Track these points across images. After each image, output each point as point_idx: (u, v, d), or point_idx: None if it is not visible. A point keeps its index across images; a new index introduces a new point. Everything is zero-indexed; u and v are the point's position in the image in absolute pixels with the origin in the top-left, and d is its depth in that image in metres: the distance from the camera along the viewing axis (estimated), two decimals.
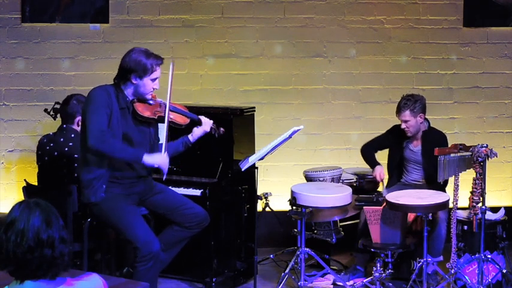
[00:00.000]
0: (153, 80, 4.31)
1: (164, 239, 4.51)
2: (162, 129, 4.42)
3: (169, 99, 4.38)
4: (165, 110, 4.37)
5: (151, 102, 4.38)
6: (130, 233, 4.26)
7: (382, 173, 5.43)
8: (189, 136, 4.55)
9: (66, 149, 4.90)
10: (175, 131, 4.55)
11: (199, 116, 4.56)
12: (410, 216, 5.03)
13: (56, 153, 4.93)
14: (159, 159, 4.30)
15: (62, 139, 4.94)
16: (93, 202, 4.31)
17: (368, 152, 5.57)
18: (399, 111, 5.32)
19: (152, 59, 4.31)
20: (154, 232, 4.40)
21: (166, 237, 4.52)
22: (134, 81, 4.30)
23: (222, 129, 4.61)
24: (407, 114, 5.28)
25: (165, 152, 4.33)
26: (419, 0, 6.38)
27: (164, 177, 4.38)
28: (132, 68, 4.28)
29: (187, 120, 4.52)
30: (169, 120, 4.40)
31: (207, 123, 4.55)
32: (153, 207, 4.56)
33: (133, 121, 4.36)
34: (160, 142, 4.51)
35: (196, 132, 4.54)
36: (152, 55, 4.33)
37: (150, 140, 4.47)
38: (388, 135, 5.56)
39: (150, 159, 4.28)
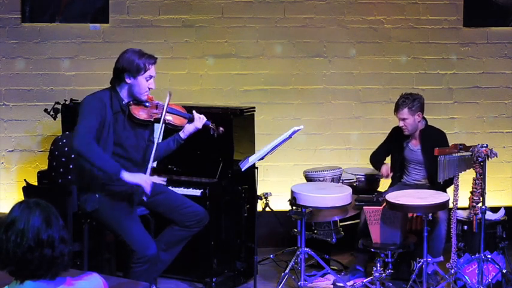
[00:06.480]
0: (147, 78, 4.29)
1: (165, 239, 4.51)
2: (157, 130, 4.38)
3: (168, 103, 4.34)
4: (161, 112, 4.33)
5: (147, 104, 4.34)
6: (127, 236, 4.27)
7: (388, 169, 5.46)
8: (180, 133, 4.49)
9: None
10: (173, 131, 4.53)
11: (193, 113, 4.50)
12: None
13: (66, 148, 5.03)
14: (140, 179, 4.20)
15: None
16: (89, 211, 4.34)
17: (375, 158, 5.62)
18: (397, 109, 5.33)
19: (145, 58, 4.29)
20: (154, 232, 4.40)
21: (167, 237, 4.52)
22: (128, 81, 4.27)
23: (221, 128, 4.54)
24: (405, 112, 5.29)
25: (149, 172, 4.24)
26: (419, 0, 6.37)
27: (145, 199, 4.22)
28: (125, 68, 4.26)
29: (185, 122, 4.47)
30: (167, 122, 4.36)
31: (199, 120, 4.48)
32: (154, 206, 4.56)
33: (129, 124, 4.33)
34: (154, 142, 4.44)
35: (188, 128, 4.48)
36: (145, 55, 4.32)
37: (144, 142, 4.44)
38: (389, 138, 5.59)
39: (130, 177, 4.18)
